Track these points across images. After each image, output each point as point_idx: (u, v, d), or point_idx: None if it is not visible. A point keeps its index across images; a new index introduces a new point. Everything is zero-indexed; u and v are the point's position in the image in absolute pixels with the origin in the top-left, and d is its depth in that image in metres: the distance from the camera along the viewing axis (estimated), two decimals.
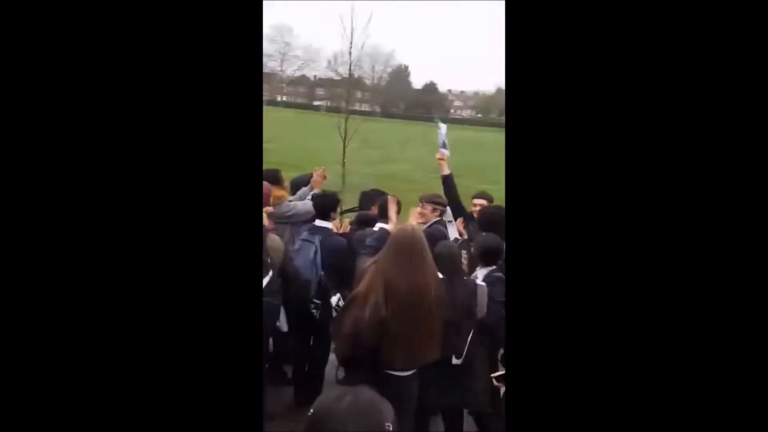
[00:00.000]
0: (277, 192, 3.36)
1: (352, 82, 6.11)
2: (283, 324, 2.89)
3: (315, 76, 62.84)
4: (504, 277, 2.74)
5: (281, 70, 62.64)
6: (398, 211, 3.05)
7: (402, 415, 2.20)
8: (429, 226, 3.16)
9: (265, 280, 2.52)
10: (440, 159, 3.55)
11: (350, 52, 5.60)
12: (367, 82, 63.60)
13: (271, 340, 3.01)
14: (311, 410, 0.98)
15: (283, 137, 16.74)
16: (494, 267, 2.79)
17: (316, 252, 3.00)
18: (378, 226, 3.10)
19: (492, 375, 2.31)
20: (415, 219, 3.00)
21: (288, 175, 3.93)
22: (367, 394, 1.04)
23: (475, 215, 3.35)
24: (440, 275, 2.35)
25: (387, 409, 1.01)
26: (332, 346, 2.66)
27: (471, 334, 2.46)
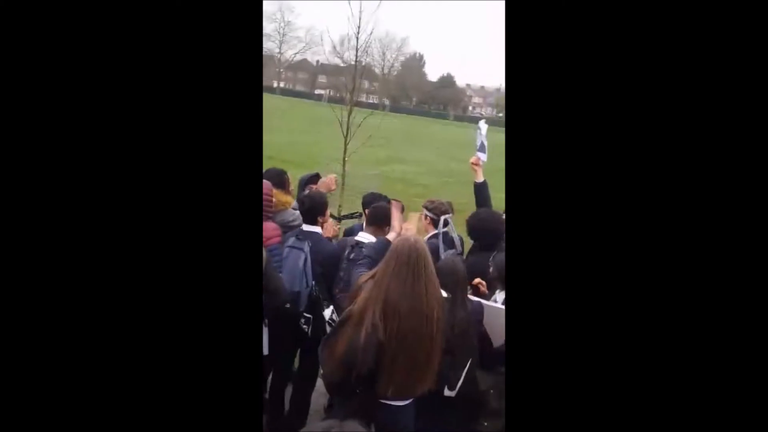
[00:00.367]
0: (281, 197, 3.24)
1: (358, 71, 6.07)
2: (264, 346, 2.79)
3: (318, 62, 62.89)
4: None
5: (279, 53, 62.58)
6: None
7: None
8: (428, 239, 3.11)
9: None
10: (474, 164, 3.40)
11: (357, 36, 5.57)
12: (377, 71, 63.54)
13: None
14: None
15: (278, 129, 16.74)
16: None
17: (305, 260, 2.95)
18: (361, 235, 3.06)
19: None
20: (413, 227, 2.92)
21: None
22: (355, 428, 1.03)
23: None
24: (444, 294, 2.32)
25: None
26: (320, 371, 2.61)
27: (470, 364, 2.42)
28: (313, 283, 2.96)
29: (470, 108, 71.00)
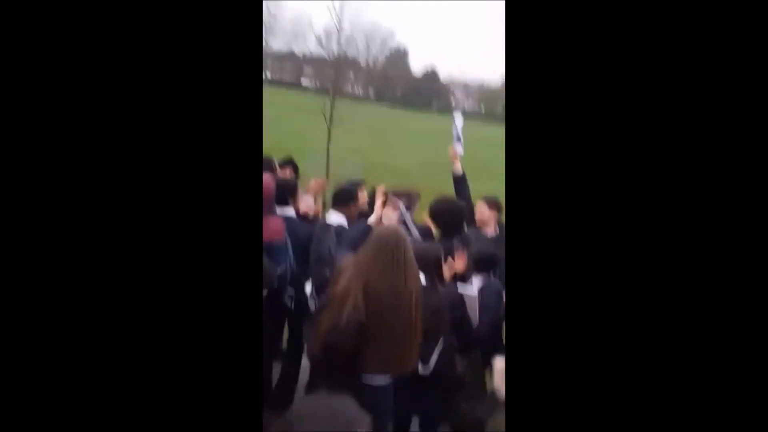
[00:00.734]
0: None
1: (343, 63, 6.07)
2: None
3: (304, 54, 62.35)
4: (500, 286, 2.78)
5: (266, 45, 62.07)
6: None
7: (379, 428, 2.23)
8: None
9: None
10: (453, 155, 3.40)
11: (338, 29, 5.55)
12: (362, 63, 63.17)
13: None
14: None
15: (264, 117, 16.61)
16: (488, 275, 2.81)
17: (286, 241, 3.02)
18: (331, 213, 3.12)
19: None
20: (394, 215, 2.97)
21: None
22: (344, 402, 1.07)
23: (478, 223, 3.25)
24: (422, 277, 2.37)
25: (362, 420, 1.05)
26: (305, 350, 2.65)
27: (441, 343, 2.47)
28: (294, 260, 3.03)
29: (453, 102, 70.88)
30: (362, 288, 2.15)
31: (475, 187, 4.84)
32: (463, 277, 2.84)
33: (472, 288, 2.75)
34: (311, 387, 3.24)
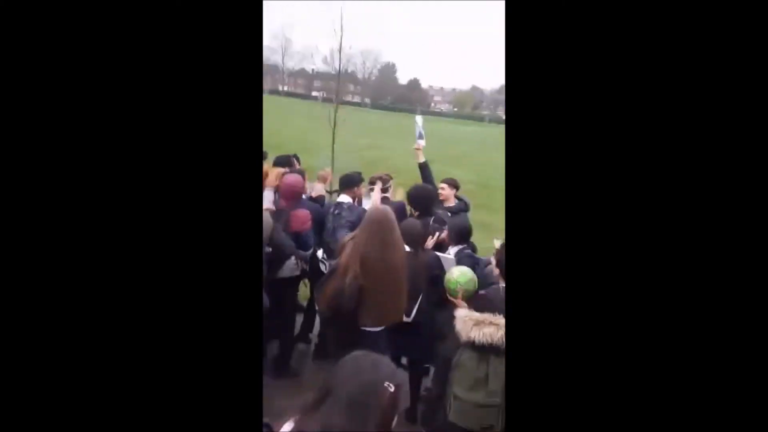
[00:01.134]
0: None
1: (343, 77, 6.05)
2: (265, 300, 2.63)
3: (313, 70, 61.74)
4: (471, 253, 2.82)
5: (283, 64, 61.72)
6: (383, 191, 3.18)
7: None
8: None
9: None
10: (417, 149, 3.55)
11: (340, 51, 5.60)
12: (359, 76, 62.97)
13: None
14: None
15: (282, 122, 16.63)
16: (464, 246, 2.83)
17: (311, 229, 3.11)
18: (342, 197, 3.20)
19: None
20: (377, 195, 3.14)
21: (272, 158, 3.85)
22: (368, 356, 1.05)
23: (441, 197, 3.32)
24: (407, 248, 2.42)
25: (387, 368, 1.03)
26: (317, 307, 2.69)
27: (421, 298, 2.52)
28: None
29: (432, 105, 70.38)
30: (359, 260, 2.21)
31: (448, 172, 4.86)
32: (441, 248, 2.86)
33: (450, 255, 2.76)
34: (319, 353, 3.29)
